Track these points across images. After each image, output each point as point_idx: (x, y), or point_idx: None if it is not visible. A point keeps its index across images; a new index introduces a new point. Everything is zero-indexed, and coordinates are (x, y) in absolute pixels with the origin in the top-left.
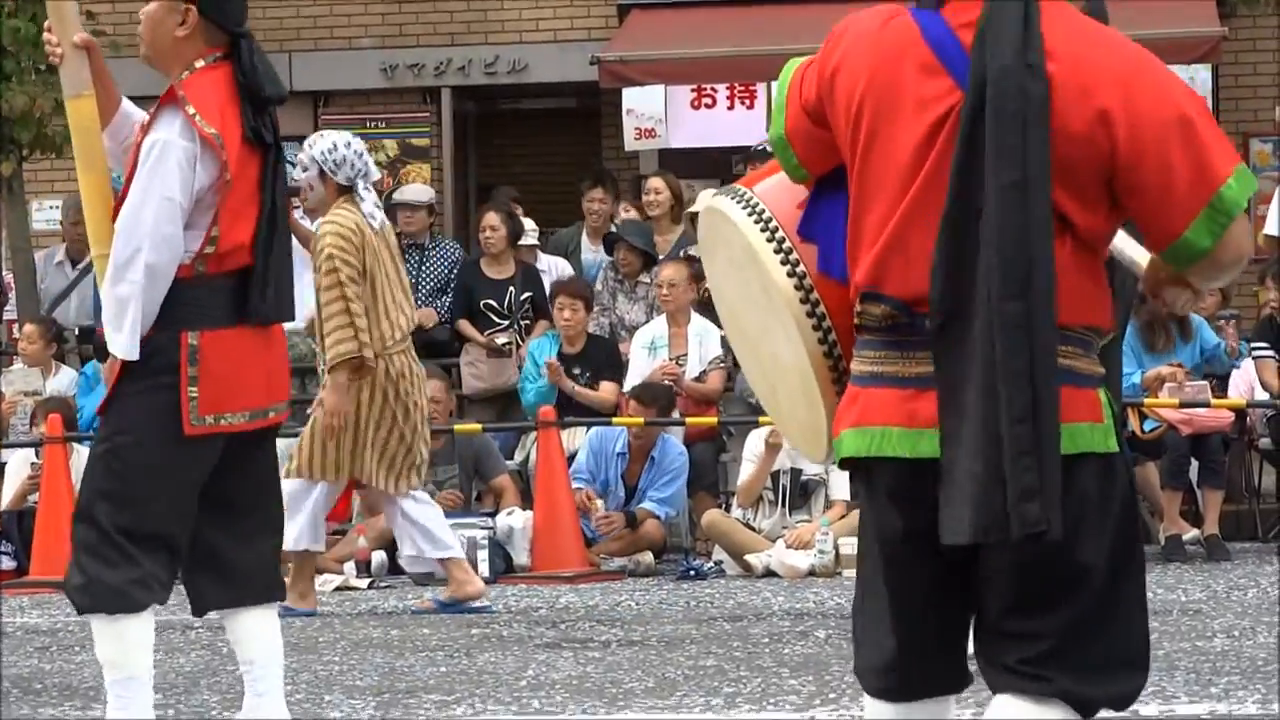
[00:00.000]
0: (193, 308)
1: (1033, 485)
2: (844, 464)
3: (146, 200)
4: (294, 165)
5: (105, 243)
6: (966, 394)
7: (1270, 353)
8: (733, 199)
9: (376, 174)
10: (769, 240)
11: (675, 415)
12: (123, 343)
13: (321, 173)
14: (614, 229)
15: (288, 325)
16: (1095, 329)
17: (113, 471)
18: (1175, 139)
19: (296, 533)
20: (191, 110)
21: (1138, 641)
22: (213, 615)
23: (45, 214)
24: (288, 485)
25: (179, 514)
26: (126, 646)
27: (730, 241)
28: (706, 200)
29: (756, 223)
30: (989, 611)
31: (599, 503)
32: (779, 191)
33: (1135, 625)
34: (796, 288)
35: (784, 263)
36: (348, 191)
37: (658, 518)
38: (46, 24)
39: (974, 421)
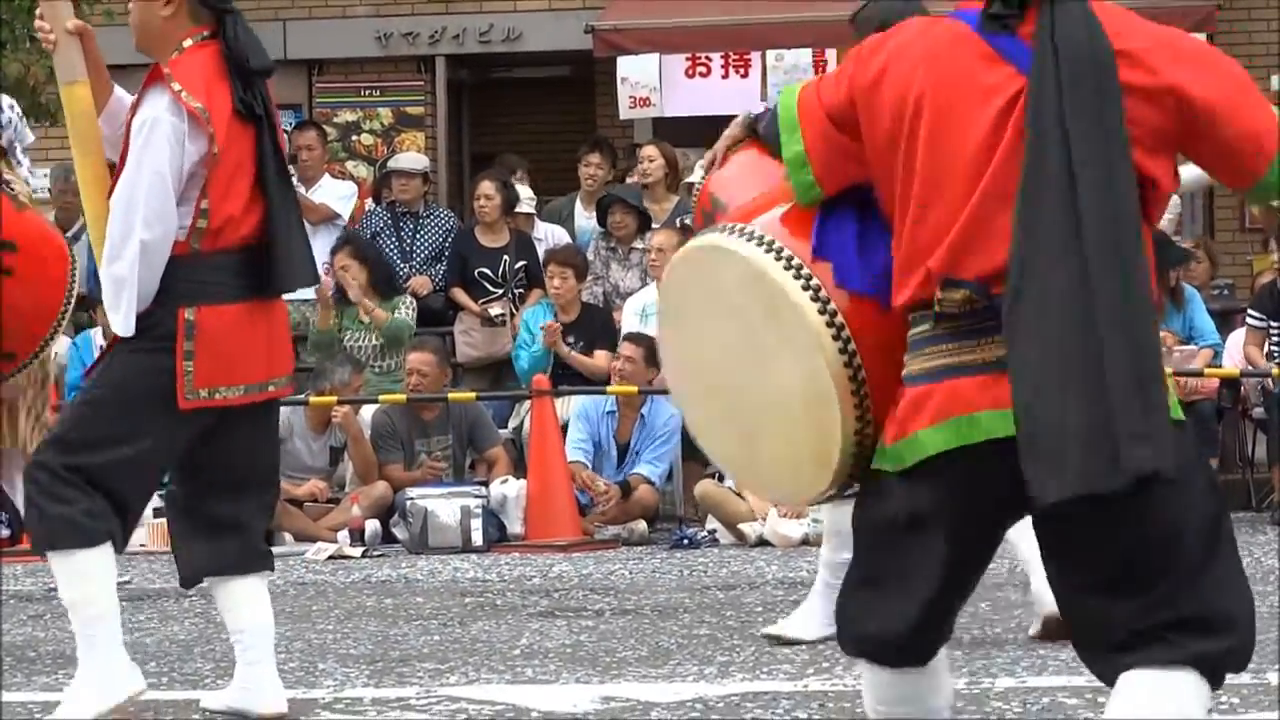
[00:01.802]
0: (191, 284)
1: (1142, 429)
2: (918, 466)
3: (138, 178)
4: (287, 134)
5: (104, 226)
6: (1046, 363)
7: (1263, 322)
8: (722, 234)
9: (31, 137)
10: (776, 258)
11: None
12: (120, 321)
13: None
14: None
15: (295, 293)
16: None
17: (82, 419)
18: (1241, 103)
19: None
20: (177, 86)
21: (1246, 599)
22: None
23: (38, 181)
24: None
25: (140, 477)
26: (87, 583)
27: (717, 276)
28: (682, 253)
29: (758, 245)
30: (1091, 589)
31: (600, 483)
32: (768, 222)
33: (1240, 583)
34: (813, 299)
35: (796, 276)
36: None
37: (651, 483)
38: (39, 10)
39: (1062, 381)
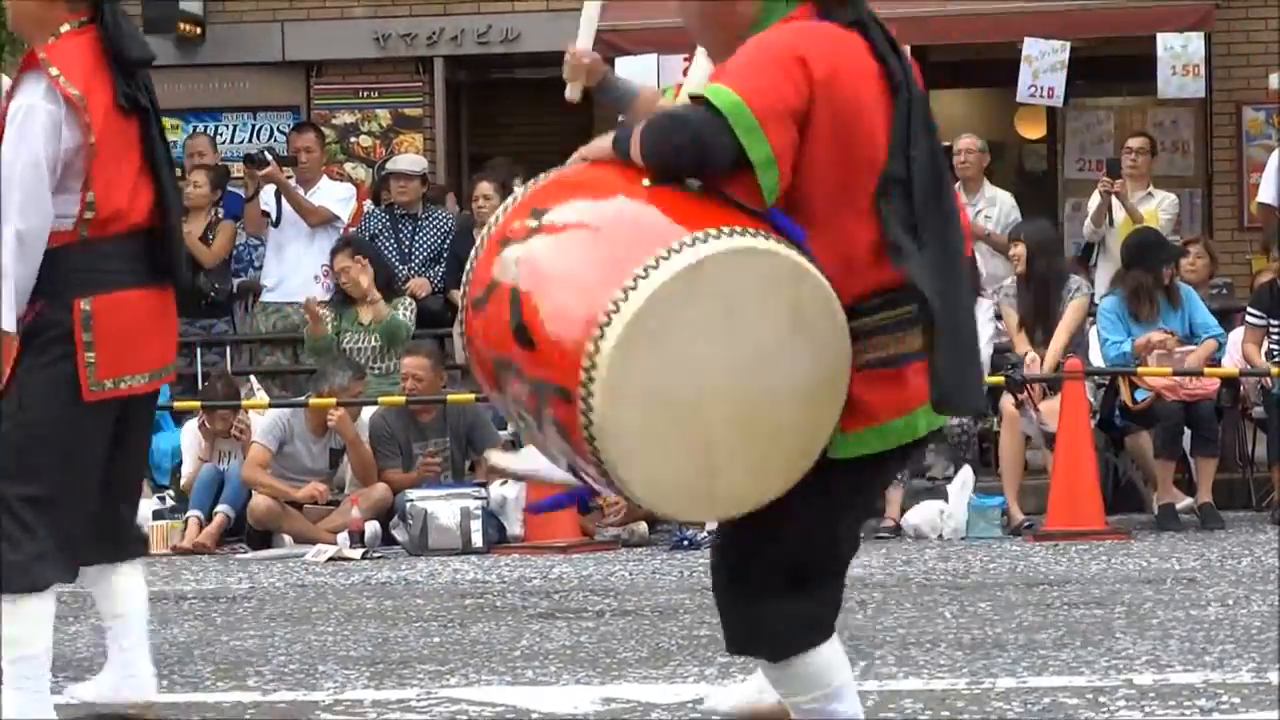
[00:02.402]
0: (84, 273)
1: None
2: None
3: (13, 166)
4: (285, 136)
5: None
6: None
7: (1262, 320)
8: (742, 237)
9: None
10: (800, 254)
11: None
12: (3, 315)
13: None
14: None
15: (294, 294)
16: None
17: (16, 447)
18: None
19: None
20: (55, 72)
21: None
22: (189, 588)
23: None
24: None
25: (83, 482)
26: (27, 625)
27: (742, 279)
28: (685, 271)
29: (779, 243)
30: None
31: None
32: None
33: None
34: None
35: (822, 273)
36: None
37: None
38: None
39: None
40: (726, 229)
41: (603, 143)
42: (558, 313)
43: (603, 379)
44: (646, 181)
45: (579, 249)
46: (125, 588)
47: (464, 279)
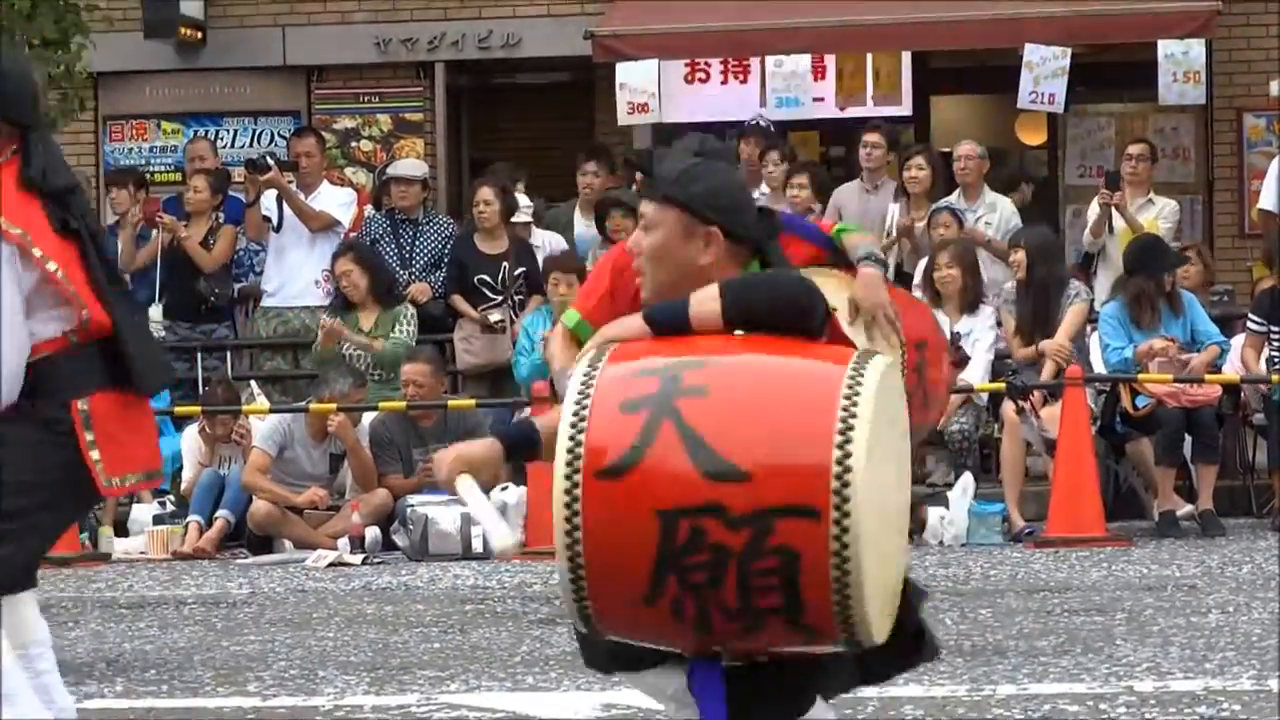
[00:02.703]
0: (77, 377)
1: None
2: None
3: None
4: (286, 141)
5: None
6: None
7: (1262, 326)
8: (880, 355)
9: None
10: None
11: None
12: None
13: None
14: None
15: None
16: None
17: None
18: None
19: None
20: None
21: None
22: (189, 593)
23: None
24: None
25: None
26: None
27: (895, 389)
28: (879, 378)
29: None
30: None
31: None
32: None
33: None
34: None
35: None
36: None
37: None
38: None
39: None
40: (860, 351)
41: (632, 321)
42: (774, 437)
43: (859, 480)
44: (739, 332)
45: (749, 379)
46: (33, 615)
47: (568, 456)
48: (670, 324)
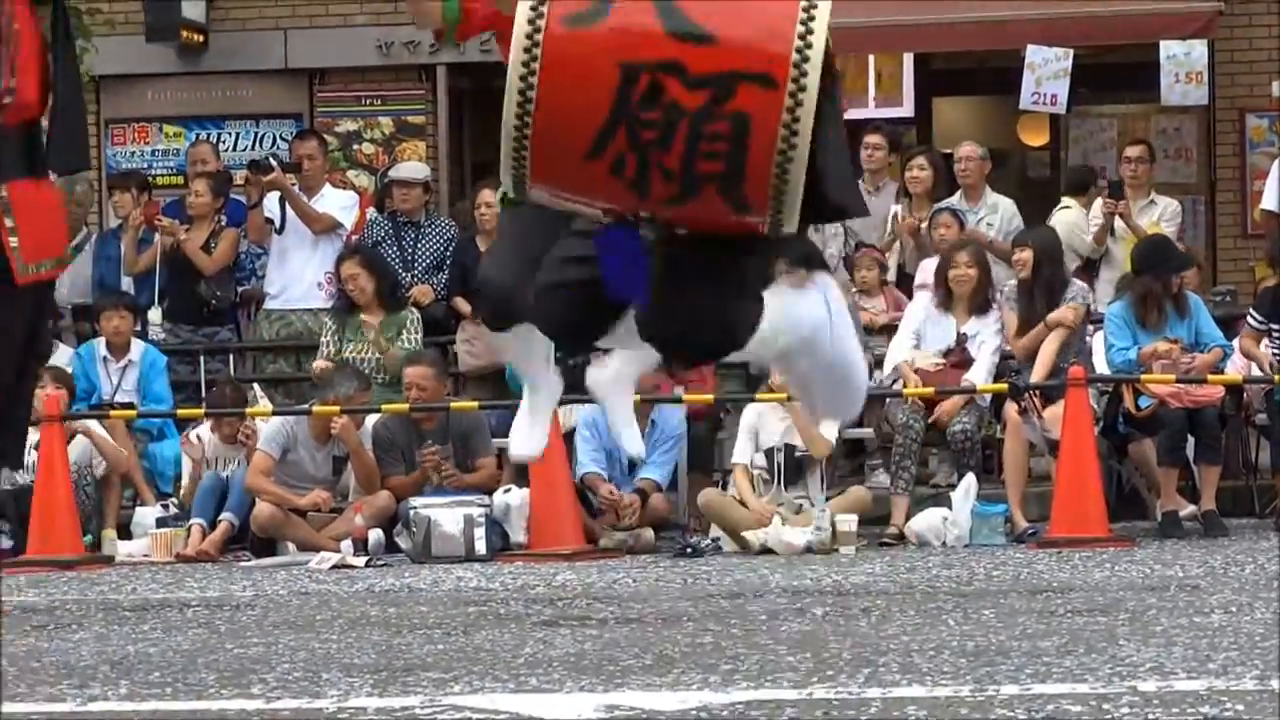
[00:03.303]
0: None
1: None
2: None
3: None
4: (288, 144)
5: None
6: None
7: (1262, 325)
8: None
9: None
10: None
11: (673, 393)
12: None
13: None
14: None
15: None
16: None
17: None
18: None
19: None
20: None
21: None
22: (193, 595)
23: None
24: None
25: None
26: None
27: None
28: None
29: None
30: None
31: (625, 498)
32: None
33: None
34: None
35: None
36: None
37: (660, 487)
38: None
39: None
40: None
41: None
42: (742, 5)
43: (818, 55)
44: None
45: None
46: None
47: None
48: None
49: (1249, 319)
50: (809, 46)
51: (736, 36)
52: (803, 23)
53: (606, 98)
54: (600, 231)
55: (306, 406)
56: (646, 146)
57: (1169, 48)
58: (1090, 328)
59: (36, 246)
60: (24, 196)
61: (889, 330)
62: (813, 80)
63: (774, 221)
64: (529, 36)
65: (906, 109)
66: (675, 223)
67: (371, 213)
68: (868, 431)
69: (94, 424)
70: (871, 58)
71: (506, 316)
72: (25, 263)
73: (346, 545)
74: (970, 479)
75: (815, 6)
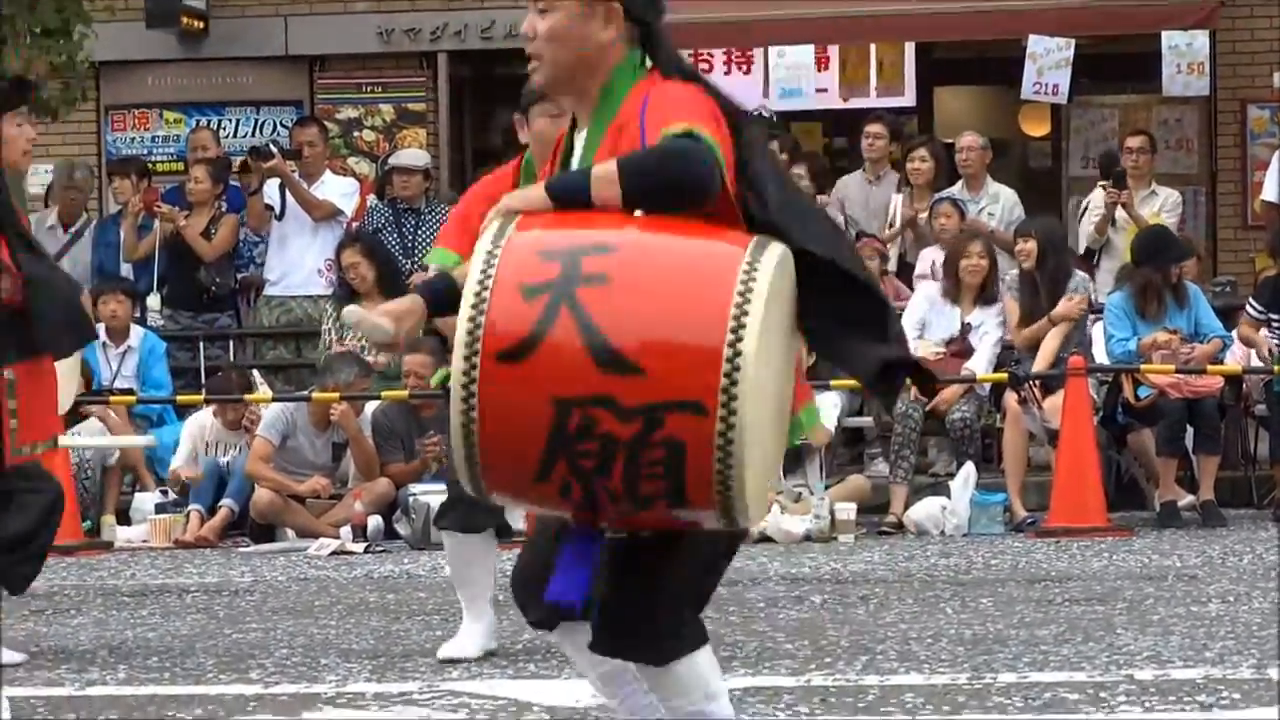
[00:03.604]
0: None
1: None
2: None
3: None
4: (288, 130)
5: None
6: None
7: (1261, 314)
8: (776, 242)
9: None
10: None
11: None
12: None
13: None
14: None
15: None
16: None
17: None
18: None
19: None
20: None
21: None
22: (192, 581)
23: (40, 178)
24: None
25: None
26: None
27: (787, 281)
28: (776, 259)
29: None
30: None
31: None
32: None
33: None
34: None
35: None
36: None
37: None
38: None
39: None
40: (758, 237)
41: (534, 193)
42: (667, 330)
43: (748, 379)
44: (638, 212)
45: (648, 270)
46: None
47: (467, 338)
48: (571, 200)
49: (1248, 307)
50: (737, 370)
51: (663, 368)
52: (735, 319)
53: (543, 433)
54: (564, 541)
55: (306, 393)
56: (588, 474)
57: (1171, 38)
58: (1090, 318)
59: (32, 429)
60: (28, 377)
61: None
62: (744, 399)
63: (727, 521)
64: (465, 374)
65: (908, 98)
66: (636, 526)
67: (372, 200)
68: (867, 420)
69: (110, 412)
70: (873, 47)
71: (471, 529)
72: (19, 445)
73: (345, 531)
74: (969, 468)
75: (743, 323)
